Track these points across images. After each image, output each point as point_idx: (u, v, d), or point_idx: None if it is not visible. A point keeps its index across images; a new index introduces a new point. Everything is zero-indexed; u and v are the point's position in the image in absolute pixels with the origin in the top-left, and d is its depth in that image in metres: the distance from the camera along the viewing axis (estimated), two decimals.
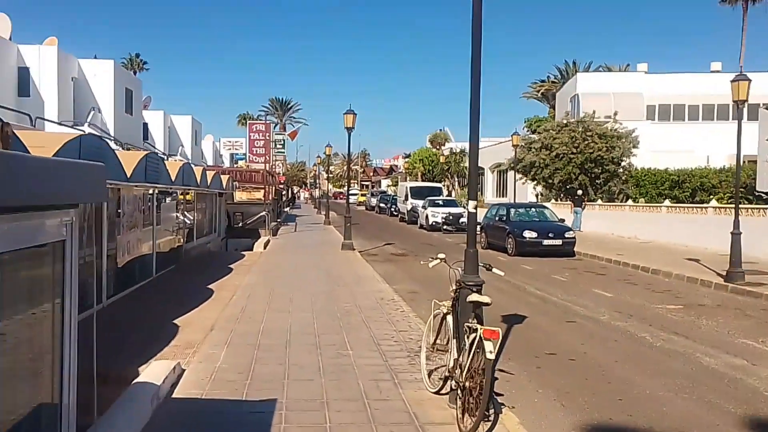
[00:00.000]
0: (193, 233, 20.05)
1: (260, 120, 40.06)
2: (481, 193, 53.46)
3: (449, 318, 6.97)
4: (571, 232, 22.54)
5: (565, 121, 38.12)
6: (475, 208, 7.18)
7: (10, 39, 34.26)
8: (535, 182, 37.80)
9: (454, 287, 7.00)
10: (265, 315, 10.74)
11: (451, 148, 64.12)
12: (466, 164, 55.77)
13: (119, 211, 12.11)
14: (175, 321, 10.21)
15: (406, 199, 42.03)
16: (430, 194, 40.81)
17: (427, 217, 35.08)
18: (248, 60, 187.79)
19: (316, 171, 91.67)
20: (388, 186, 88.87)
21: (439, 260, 7.43)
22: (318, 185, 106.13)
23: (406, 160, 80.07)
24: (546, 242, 21.91)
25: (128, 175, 11.00)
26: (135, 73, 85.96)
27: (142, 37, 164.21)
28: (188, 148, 54.49)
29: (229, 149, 53.57)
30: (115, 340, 9.03)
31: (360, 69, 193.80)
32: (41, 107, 32.54)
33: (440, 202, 36.82)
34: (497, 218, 24.57)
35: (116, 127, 37.22)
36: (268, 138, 40.24)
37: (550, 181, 36.46)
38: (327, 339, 9.11)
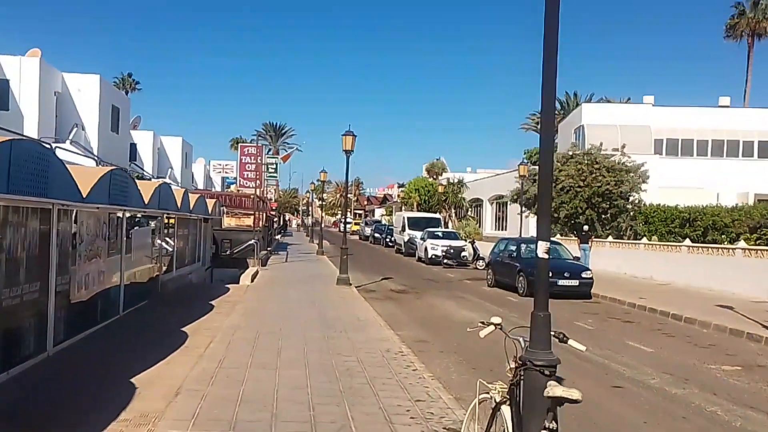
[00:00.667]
0: (173, 263, 17.93)
1: (253, 144, 38.01)
2: (479, 226, 51.63)
3: (505, 410, 4.91)
4: (589, 272, 20.54)
5: (570, 153, 36.41)
6: (547, 252, 5.15)
7: None
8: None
9: (513, 365, 4.96)
10: (246, 372, 8.63)
11: (448, 178, 62.35)
12: (464, 195, 54.05)
13: (76, 237, 10.02)
14: (134, 379, 8.09)
15: (403, 229, 40.07)
16: (429, 225, 38.92)
17: (426, 249, 33.06)
18: (242, 85, 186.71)
19: (308, 198, 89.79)
20: (382, 215, 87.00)
21: (493, 327, 5.37)
22: (310, 213, 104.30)
23: (402, 189, 78.33)
24: (561, 282, 19.90)
25: (84, 195, 8.96)
26: (127, 93, 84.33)
27: (135, 58, 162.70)
28: (178, 171, 52.56)
29: (219, 172, 51.49)
30: (52, 403, 6.90)
31: (354, 98, 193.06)
32: (20, 122, 30.76)
33: (440, 234, 34.87)
34: (506, 254, 22.57)
35: (101, 146, 35.23)
36: (259, 162, 38.18)
37: (555, 215, 34.56)
38: (325, 413, 7.01)
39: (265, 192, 40.14)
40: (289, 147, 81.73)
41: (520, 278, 20.64)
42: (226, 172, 51.22)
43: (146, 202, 12.68)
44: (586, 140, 38.69)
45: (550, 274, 18.15)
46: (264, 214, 36.49)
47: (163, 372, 8.56)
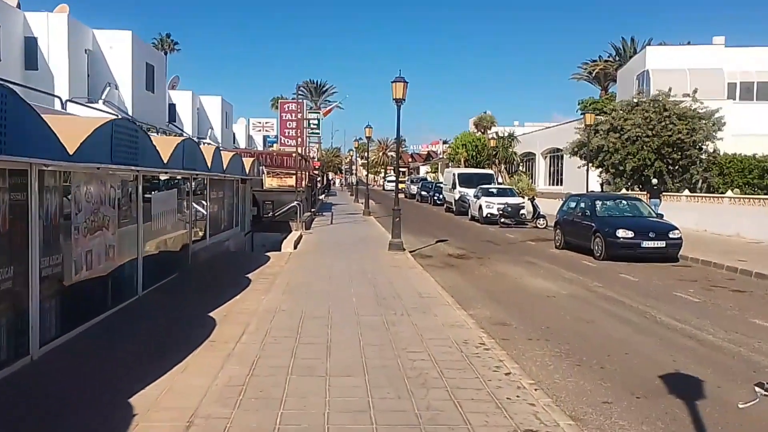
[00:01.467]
0: (206, 229, 15.85)
1: (293, 100, 35.67)
2: (533, 181, 48.67)
3: None
4: (677, 232, 17.79)
5: (636, 100, 33.16)
6: None
7: (18, 6, 30.52)
8: (602, 169, 32.88)
9: None
10: (287, 384, 6.39)
11: (497, 132, 59.19)
12: (516, 149, 50.98)
13: (70, 206, 7.87)
14: (136, 397, 5.95)
15: (454, 187, 37.45)
16: (481, 182, 36.24)
17: (480, 207, 30.50)
18: (283, 42, 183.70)
19: (351, 156, 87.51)
20: (427, 173, 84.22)
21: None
22: (353, 171, 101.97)
23: (447, 145, 75.45)
24: (646, 244, 17.25)
25: (70, 151, 6.73)
26: (165, 54, 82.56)
27: (171, 17, 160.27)
28: (218, 131, 50.64)
29: (260, 131, 49.22)
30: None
31: (393, 54, 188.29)
32: (50, 82, 28.68)
33: (494, 191, 32.20)
34: (578, 212, 19.92)
35: (135, 106, 33.33)
36: (300, 118, 35.90)
37: (621, 167, 31.55)
38: None
39: (307, 150, 37.92)
40: (338, 107, 79.10)
41: (597, 240, 18.04)
42: (266, 131, 48.97)
43: (165, 161, 10.47)
44: (651, 87, 35.25)
45: (633, 235, 15.42)
46: (307, 174, 34.32)
47: (176, 384, 6.38)
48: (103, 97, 31.11)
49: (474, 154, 58.87)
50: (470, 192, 35.69)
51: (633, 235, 17.40)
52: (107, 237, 9.07)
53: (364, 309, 10.04)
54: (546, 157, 48.15)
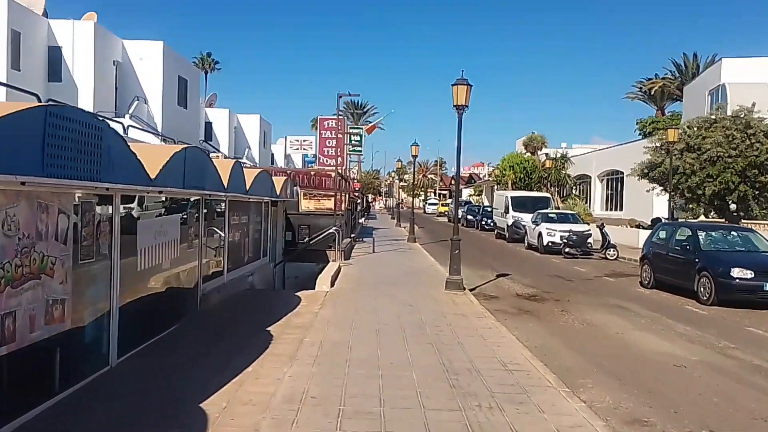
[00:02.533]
0: (224, 263, 12.76)
1: (333, 117, 32.72)
2: (588, 205, 44.89)
3: None
4: None
5: (714, 117, 29.37)
6: None
7: (45, 14, 28.19)
8: (674, 193, 29.03)
9: None
10: None
11: (547, 154, 55.52)
12: (569, 171, 47.33)
13: None
14: None
15: (507, 211, 33.97)
16: (537, 206, 32.77)
17: (540, 235, 26.97)
18: (324, 62, 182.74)
19: (392, 179, 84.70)
20: (470, 196, 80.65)
21: None
22: (393, 194, 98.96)
23: (492, 167, 72.01)
24: None
25: None
26: (206, 73, 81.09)
27: (213, 36, 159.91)
28: (256, 151, 48.12)
29: (297, 149, 46.31)
30: None
31: (434, 75, 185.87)
32: (75, 94, 26.20)
33: (555, 217, 28.65)
34: (675, 245, 16.33)
35: (165, 121, 30.81)
36: (341, 137, 32.93)
37: (699, 191, 27.73)
38: None
39: (347, 171, 34.90)
40: (379, 127, 76.19)
41: (703, 280, 14.43)
42: (304, 149, 46.04)
43: (153, 177, 7.37)
44: (729, 102, 31.38)
45: (752, 275, 11.65)
46: (346, 196, 31.25)
47: None
48: (131, 111, 28.69)
49: (522, 176, 55.19)
50: (525, 217, 32.22)
51: (752, 275, 13.78)
52: (50, 288, 5.96)
53: (431, 397, 6.70)
54: (603, 179, 44.35)
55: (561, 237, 25.89)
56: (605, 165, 42.90)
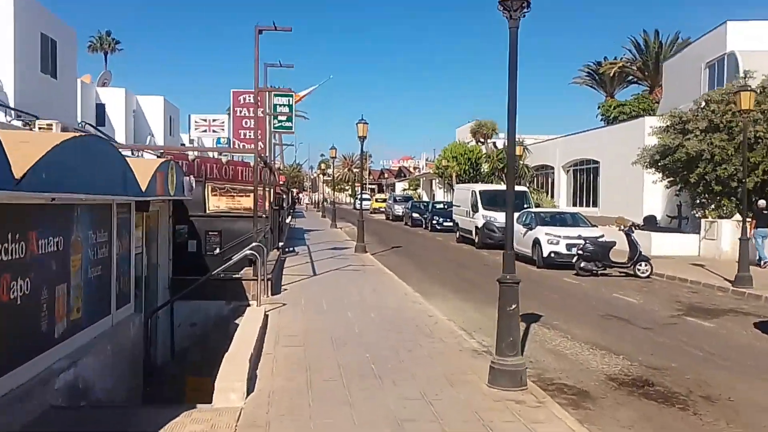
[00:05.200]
0: None
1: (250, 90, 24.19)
2: (550, 197, 38.13)
3: None
4: None
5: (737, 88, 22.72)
6: None
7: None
8: (699, 185, 22.10)
9: None
10: None
11: (495, 143, 48.68)
12: (527, 162, 40.41)
13: None
14: None
15: (475, 209, 26.40)
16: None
17: (537, 243, 19.47)
18: (243, 47, 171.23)
19: (322, 171, 76.40)
20: (404, 190, 73.19)
21: None
22: (318, 189, 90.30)
23: (428, 159, 64.97)
24: None
25: None
26: (106, 54, 70.32)
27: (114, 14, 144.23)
28: (160, 138, 38.91)
29: (205, 131, 36.95)
30: None
31: (352, 66, 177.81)
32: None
33: (556, 218, 21.30)
34: None
35: (20, 93, 22.05)
36: (262, 116, 24.52)
37: (732, 184, 20.98)
38: None
39: (271, 158, 26.46)
40: (298, 115, 67.18)
41: None
42: (214, 130, 36.99)
43: None
44: (742, 73, 24.85)
45: None
46: (272, 191, 22.91)
47: None
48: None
49: (467, 168, 48.17)
50: (498, 216, 24.88)
51: None
52: None
53: None
54: (568, 170, 37.60)
55: (568, 246, 18.54)
56: (572, 154, 36.22)
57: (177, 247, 16.79)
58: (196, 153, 19.77)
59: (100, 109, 35.43)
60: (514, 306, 7.09)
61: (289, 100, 23.08)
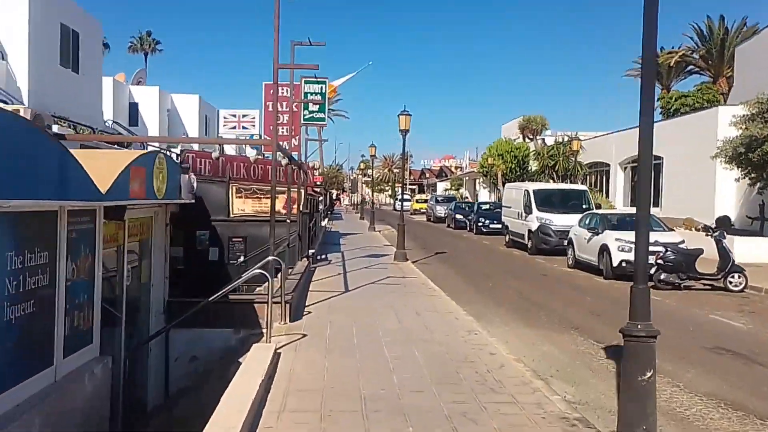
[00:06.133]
0: None
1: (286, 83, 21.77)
2: (605, 197, 35.02)
3: None
4: None
5: None
6: None
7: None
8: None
9: None
10: None
11: (543, 139, 45.53)
12: (581, 158, 37.26)
13: None
14: None
15: (528, 211, 23.56)
16: (568, 204, 22.92)
17: (605, 250, 16.64)
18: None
19: (357, 174, 74.03)
20: (446, 190, 70.36)
21: None
22: (358, 190, 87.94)
23: (471, 158, 62.08)
24: None
25: None
26: (146, 54, 69.28)
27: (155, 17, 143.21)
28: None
29: (234, 128, 34.62)
30: None
31: (392, 70, 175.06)
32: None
33: (622, 222, 18.39)
34: None
35: (35, 86, 20.28)
36: (296, 108, 22.17)
37: None
38: None
39: (303, 158, 24.10)
40: (335, 114, 64.86)
41: None
42: (245, 126, 34.69)
43: None
44: None
45: None
46: (304, 192, 20.47)
47: None
48: None
49: (513, 166, 45.21)
50: (555, 219, 22.15)
51: None
52: None
53: None
54: (626, 168, 34.42)
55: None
56: (630, 150, 33.01)
57: (198, 255, 14.76)
58: (218, 151, 17.42)
59: (133, 108, 33.86)
60: (649, 374, 4.48)
61: (321, 88, 20.62)
